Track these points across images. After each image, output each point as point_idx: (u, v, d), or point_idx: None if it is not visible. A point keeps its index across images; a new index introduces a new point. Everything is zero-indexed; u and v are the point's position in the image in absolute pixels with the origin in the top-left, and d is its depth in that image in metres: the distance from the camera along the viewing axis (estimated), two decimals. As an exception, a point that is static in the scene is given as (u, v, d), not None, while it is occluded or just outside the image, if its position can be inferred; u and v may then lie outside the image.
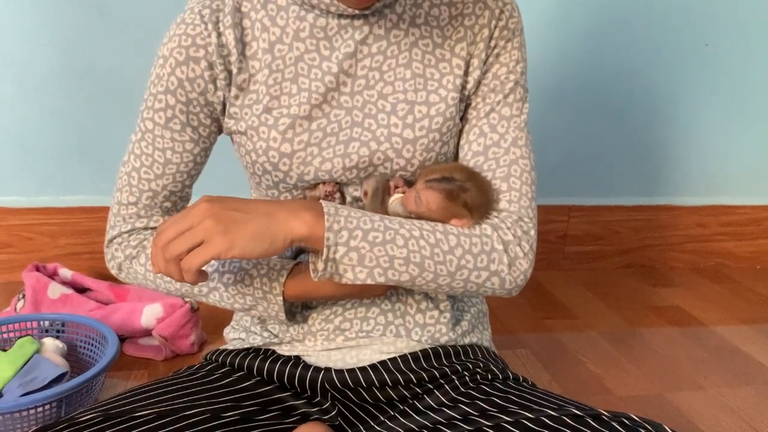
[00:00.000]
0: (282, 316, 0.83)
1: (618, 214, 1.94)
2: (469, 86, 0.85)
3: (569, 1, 1.74)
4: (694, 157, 1.95)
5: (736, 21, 1.83)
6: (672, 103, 1.88)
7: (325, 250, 0.73)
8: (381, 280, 0.75)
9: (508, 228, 0.81)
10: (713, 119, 1.92)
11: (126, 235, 0.88)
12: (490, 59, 0.85)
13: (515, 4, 0.86)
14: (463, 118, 0.87)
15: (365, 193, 0.83)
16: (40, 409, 1.01)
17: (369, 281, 0.75)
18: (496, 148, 0.84)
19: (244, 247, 0.70)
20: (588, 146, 1.88)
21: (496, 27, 0.84)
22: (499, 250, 0.79)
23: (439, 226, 0.78)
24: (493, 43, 0.85)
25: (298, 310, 0.88)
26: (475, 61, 0.85)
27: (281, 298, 0.82)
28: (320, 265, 0.74)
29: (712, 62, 1.86)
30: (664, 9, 1.78)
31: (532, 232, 0.82)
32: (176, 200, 0.90)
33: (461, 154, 0.87)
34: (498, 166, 0.83)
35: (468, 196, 0.79)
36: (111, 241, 0.89)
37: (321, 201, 0.76)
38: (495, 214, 0.82)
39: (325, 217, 0.73)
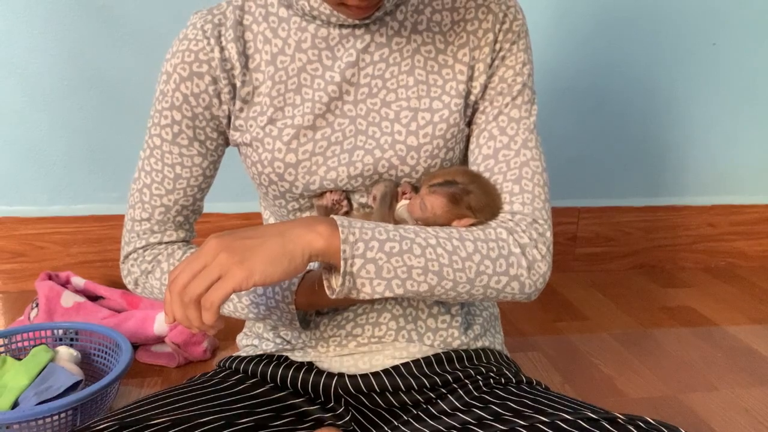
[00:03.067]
0: (296, 323, 0.84)
1: (628, 215, 1.94)
2: (475, 92, 0.85)
3: (577, 2, 1.74)
4: (703, 157, 1.94)
5: (743, 20, 1.82)
6: (680, 102, 1.87)
7: (342, 263, 0.70)
8: (399, 291, 0.72)
9: (524, 231, 0.79)
10: (722, 118, 1.91)
11: (141, 251, 0.89)
12: (496, 62, 0.85)
13: (519, 6, 0.86)
14: (472, 123, 0.87)
15: (374, 198, 0.83)
16: (56, 417, 1.02)
17: (387, 294, 0.72)
18: (506, 151, 0.83)
19: (263, 272, 0.66)
20: (596, 147, 1.87)
21: (500, 30, 0.84)
22: (517, 254, 0.78)
23: (455, 232, 0.76)
24: (498, 47, 0.84)
25: (312, 317, 0.89)
26: (481, 66, 0.84)
27: (294, 306, 0.82)
28: (337, 281, 0.72)
29: (720, 61, 1.85)
30: (671, 9, 1.78)
31: (548, 234, 0.81)
32: (188, 214, 0.91)
33: (471, 159, 0.86)
34: (509, 168, 0.82)
35: (472, 199, 0.78)
36: (126, 257, 0.90)
37: (333, 216, 0.74)
38: (509, 217, 0.81)
39: (340, 229, 0.70)
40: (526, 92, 0.85)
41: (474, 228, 0.78)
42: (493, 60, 0.84)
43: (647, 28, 1.79)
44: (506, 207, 0.81)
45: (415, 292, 0.74)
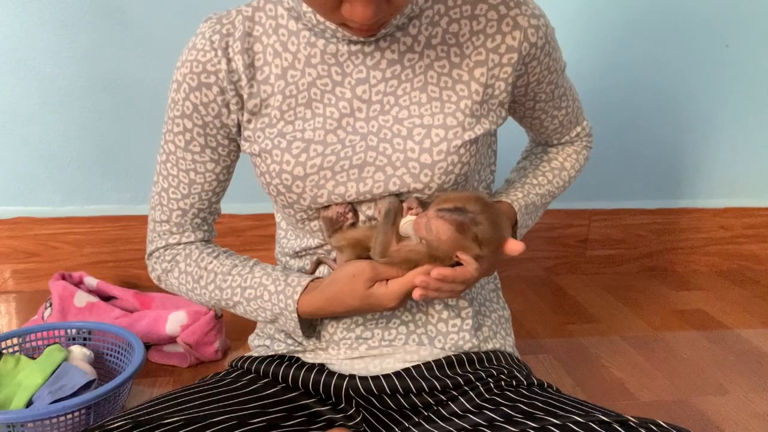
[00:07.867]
0: (298, 332, 0.84)
1: (639, 218, 1.93)
2: (501, 97, 0.84)
3: (592, 4, 1.74)
4: (715, 159, 1.93)
5: (756, 22, 1.81)
6: (693, 104, 1.87)
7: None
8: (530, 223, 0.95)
9: (592, 140, 1.04)
10: (734, 120, 1.90)
11: (162, 250, 0.92)
12: (539, 77, 0.86)
13: (541, 9, 0.83)
14: (527, 108, 0.93)
15: (379, 212, 0.82)
16: (69, 416, 1.03)
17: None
18: (567, 113, 0.97)
19: None
20: (608, 149, 1.87)
21: (532, 46, 0.82)
22: (587, 157, 1.03)
23: (566, 174, 1.00)
24: (535, 63, 0.84)
25: (318, 323, 0.89)
26: (501, 84, 0.83)
27: (296, 314, 0.82)
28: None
29: (733, 63, 1.84)
30: (683, 10, 1.77)
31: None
32: (206, 216, 0.92)
33: (538, 127, 0.98)
34: (575, 116, 0.99)
35: (479, 230, 0.75)
36: (150, 254, 0.94)
37: (513, 205, 0.90)
38: (586, 135, 1.02)
39: (518, 214, 0.90)
40: (564, 71, 0.94)
41: (574, 157, 1.01)
42: (524, 72, 0.84)
43: (659, 30, 1.78)
44: (579, 129, 1.01)
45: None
